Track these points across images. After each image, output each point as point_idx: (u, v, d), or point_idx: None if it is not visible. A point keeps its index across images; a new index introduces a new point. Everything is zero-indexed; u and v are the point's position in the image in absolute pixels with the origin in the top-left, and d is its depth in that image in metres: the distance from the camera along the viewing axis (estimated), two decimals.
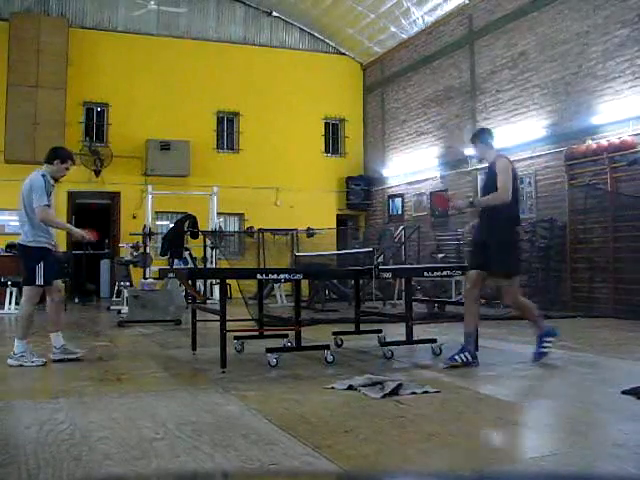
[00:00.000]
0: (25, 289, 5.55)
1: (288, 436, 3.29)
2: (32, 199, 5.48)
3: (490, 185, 5.31)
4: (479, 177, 13.19)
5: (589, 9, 10.64)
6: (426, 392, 4.25)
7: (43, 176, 5.52)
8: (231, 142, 16.78)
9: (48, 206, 5.52)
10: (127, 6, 15.59)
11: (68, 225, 6.28)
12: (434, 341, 5.91)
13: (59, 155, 5.67)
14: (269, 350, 5.38)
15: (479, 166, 13.19)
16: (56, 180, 5.74)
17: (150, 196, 13.71)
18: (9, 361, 5.37)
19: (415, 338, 5.93)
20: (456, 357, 5.25)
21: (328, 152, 17.66)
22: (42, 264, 5.43)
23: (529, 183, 11.84)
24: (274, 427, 3.47)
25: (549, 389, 4.56)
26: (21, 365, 5.33)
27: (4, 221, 14.61)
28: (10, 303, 10.65)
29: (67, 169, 5.74)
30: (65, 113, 14.54)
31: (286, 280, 6.90)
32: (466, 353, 5.26)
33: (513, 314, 9.66)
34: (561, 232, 10.72)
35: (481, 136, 5.57)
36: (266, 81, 16.47)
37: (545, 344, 5.39)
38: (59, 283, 5.74)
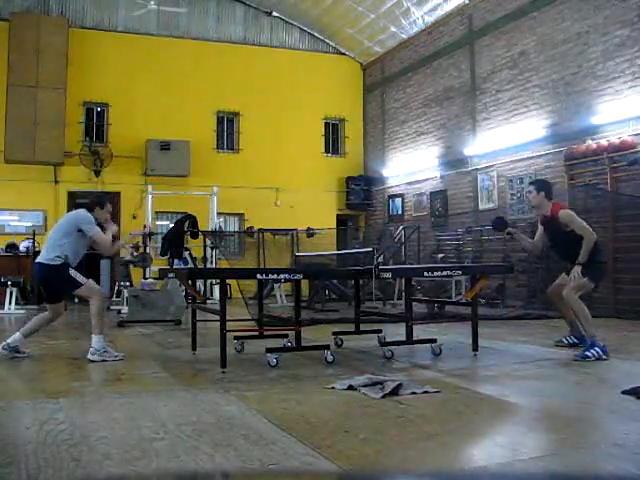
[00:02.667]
0: (83, 292, 5.91)
1: (288, 436, 3.29)
2: (82, 228, 5.86)
3: (559, 235, 6.04)
4: (479, 177, 13.20)
5: (589, 9, 10.64)
6: (426, 392, 4.25)
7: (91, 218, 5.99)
8: (231, 142, 16.78)
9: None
10: (127, 6, 15.60)
11: (117, 244, 6.77)
12: (434, 341, 5.90)
13: (99, 202, 6.13)
14: (269, 350, 5.38)
15: (479, 166, 13.21)
16: (100, 224, 6.11)
17: (150, 196, 13.71)
18: (89, 357, 5.63)
19: (415, 338, 5.93)
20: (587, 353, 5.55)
21: (328, 152, 17.66)
22: (73, 271, 5.85)
23: (529, 183, 11.82)
24: (274, 427, 3.47)
25: (549, 389, 4.56)
26: (104, 360, 5.62)
27: (4, 221, 14.63)
28: (10, 303, 10.65)
29: (109, 212, 6.22)
30: (65, 113, 14.54)
31: (286, 280, 6.90)
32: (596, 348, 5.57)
33: (513, 314, 9.68)
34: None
35: (542, 186, 6.21)
36: (266, 81, 16.47)
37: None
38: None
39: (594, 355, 5.53)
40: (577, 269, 5.79)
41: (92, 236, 5.86)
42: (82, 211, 6.02)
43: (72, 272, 5.78)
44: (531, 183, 6.43)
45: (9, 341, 5.80)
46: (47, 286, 5.98)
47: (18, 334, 5.82)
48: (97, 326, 5.71)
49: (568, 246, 5.99)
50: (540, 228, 6.35)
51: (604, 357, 5.52)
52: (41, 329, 6.10)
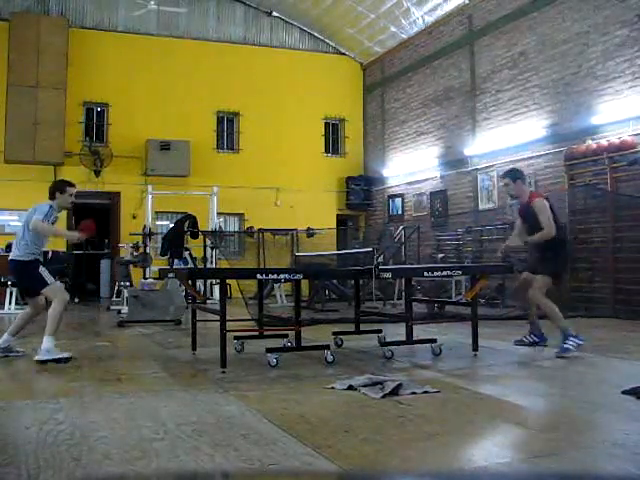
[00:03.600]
0: (47, 292, 5.78)
1: (288, 436, 3.29)
2: (32, 218, 5.76)
3: (534, 222, 6.00)
4: (479, 177, 13.20)
5: (589, 9, 10.64)
6: (426, 392, 4.25)
7: (51, 207, 5.85)
8: (231, 142, 16.78)
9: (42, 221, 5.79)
10: (127, 6, 15.60)
11: (61, 231, 6.48)
12: (434, 341, 5.90)
13: (57, 188, 6.02)
14: (269, 350, 5.38)
15: (479, 166, 13.21)
16: (67, 209, 6.08)
17: (150, 196, 13.71)
18: (41, 357, 5.52)
19: (415, 338, 5.93)
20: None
21: (328, 152, 17.66)
22: (43, 268, 5.82)
23: (529, 183, 11.82)
24: (274, 427, 3.47)
25: (549, 389, 4.56)
26: (47, 361, 5.48)
27: (4, 221, 14.62)
28: (10, 303, 10.65)
29: (71, 195, 6.05)
30: (65, 113, 14.55)
31: (286, 280, 6.90)
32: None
33: (513, 314, 9.68)
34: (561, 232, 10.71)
35: (516, 175, 6.25)
36: (266, 81, 16.47)
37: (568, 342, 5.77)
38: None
39: (573, 346, 5.71)
40: (507, 244, 6.29)
41: (31, 228, 5.73)
42: (38, 205, 5.91)
43: (42, 270, 5.78)
44: (503, 176, 6.34)
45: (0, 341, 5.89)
46: (20, 281, 6.17)
47: (5, 334, 5.91)
48: (52, 327, 5.64)
49: (536, 231, 6.00)
50: (518, 221, 6.46)
51: (581, 342, 5.75)
52: (27, 325, 6.08)
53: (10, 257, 5.93)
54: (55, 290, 5.83)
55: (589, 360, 5.67)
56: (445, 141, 14.43)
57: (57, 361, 5.48)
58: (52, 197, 5.95)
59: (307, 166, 16.67)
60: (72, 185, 6.16)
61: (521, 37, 12.15)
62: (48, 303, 5.84)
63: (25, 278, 5.97)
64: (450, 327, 7.60)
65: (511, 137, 12.26)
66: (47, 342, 5.58)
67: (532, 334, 6.39)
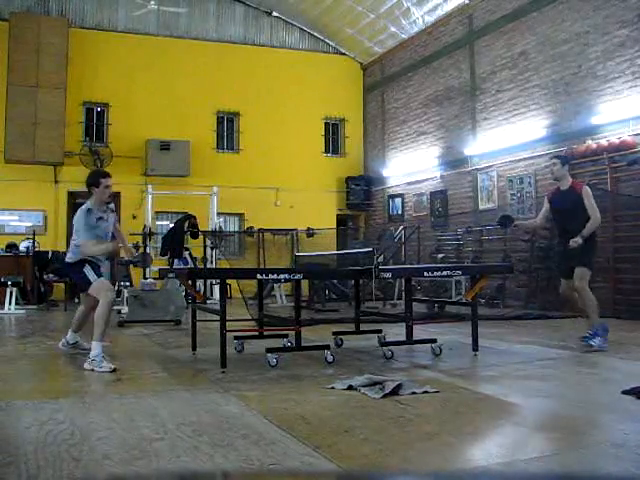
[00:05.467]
0: (92, 291, 5.71)
1: (288, 436, 3.29)
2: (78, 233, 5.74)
3: (570, 208, 6.24)
4: (479, 177, 13.20)
5: (589, 9, 10.64)
6: (426, 392, 4.25)
7: (88, 211, 5.69)
8: (231, 142, 16.79)
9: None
10: (127, 6, 15.61)
11: (103, 246, 5.96)
12: (434, 341, 5.90)
13: (90, 184, 5.79)
14: (269, 350, 5.38)
15: (479, 166, 13.20)
16: (107, 203, 5.93)
17: (150, 196, 13.71)
18: (85, 365, 5.29)
19: (415, 338, 5.93)
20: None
21: (328, 152, 17.66)
22: (88, 267, 5.70)
23: (529, 183, 11.84)
24: (274, 427, 3.47)
25: (549, 389, 4.56)
26: (93, 370, 5.22)
27: (4, 221, 14.62)
28: (10, 303, 10.65)
29: (107, 187, 5.78)
30: (65, 113, 14.55)
31: (286, 280, 6.90)
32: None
33: (513, 314, 9.68)
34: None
35: (566, 159, 6.60)
36: (266, 81, 16.47)
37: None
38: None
39: (595, 344, 6.00)
40: (578, 239, 6.05)
41: (79, 243, 5.67)
42: (79, 210, 5.77)
43: (86, 269, 5.64)
44: (555, 157, 6.67)
45: (67, 338, 6.15)
46: (71, 279, 6.41)
47: (70, 332, 6.13)
48: (98, 332, 5.39)
49: (575, 221, 6.19)
50: (546, 205, 6.61)
51: (605, 348, 5.98)
52: (87, 320, 6.05)
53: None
54: (99, 288, 5.60)
55: (589, 360, 5.67)
56: (445, 141, 14.43)
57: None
58: (90, 194, 5.78)
59: (307, 166, 16.68)
60: (105, 175, 5.86)
61: (521, 37, 12.15)
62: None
63: (74, 277, 6.11)
64: (450, 327, 7.60)
65: (511, 137, 12.26)
66: (94, 349, 5.33)
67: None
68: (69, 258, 5.85)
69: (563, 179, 6.42)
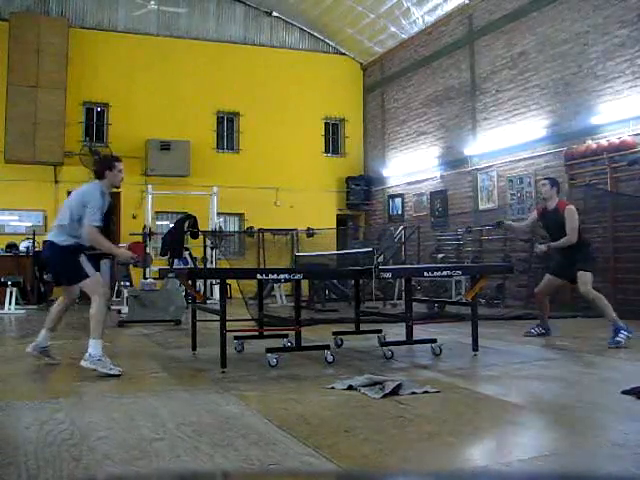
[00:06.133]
0: (86, 286, 5.18)
1: (288, 436, 3.29)
2: (84, 212, 5.11)
3: (555, 226, 6.79)
4: (479, 177, 13.20)
5: (589, 9, 10.64)
6: (426, 392, 4.25)
7: (102, 193, 5.24)
8: (231, 142, 16.78)
9: (99, 227, 5.16)
10: (127, 6, 15.60)
11: (114, 248, 5.67)
12: (434, 341, 5.90)
13: (106, 165, 5.44)
14: (269, 350, 5.38)
15: (479, 166, 13.20)
16: (117, 187, 5.57)
17: (150, 196, 13.70)
18: (83, 363, 5.01)
19: (415, 338, 5.93)
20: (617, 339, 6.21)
21: (328, 152, 17.66)
22: (84, 258, 5.21)
23: (529, 183, 11.84)
24: (274, 427, 3.47)
25: (549, 389, 4.56)
26: (95, 369, 4.98)
27: (4, 221, 14.62)
28: (10, 303, 10.65)
29: (120, 171, 5.48)
30: (65, 113, 14.54)
31: (286, 280, 6.90)
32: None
33: (513, 314, 9.68)
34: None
35: (555, 183, 7.02)
36: (266, 81, 16.47)
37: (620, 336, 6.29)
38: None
39: (623, 338, 6.22)
40: (543, 247, 6.88)
41: (86, 224, 5.04)
42: (90, 185, 5.30)
43: (82, 259, 5.14)
44: (546, 179, 7.24)
45: (39, 340, 5.41)
46: (52, 266, 5.52)
47: (43, 331, 5.41)
48: (98, 328, 5.06)
49: (560, 238, 6.70)
50: (533, 215, 7.26)
51: (631, 335, 6.26)
52: (62, 316, 5.56)
53: (48, 237, 5.30)
54: (96, 284, 5.17)
55: (589, 360, 5.67)
56: (445, 141, 14.43)
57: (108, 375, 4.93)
58: (101, 176, 5.31)
59: (307, 166, 16.67)
60: (119, 159, 5.57)
61: (521, 37, 12.15)
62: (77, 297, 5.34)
63: (61, 265, 5.27)
64: (450, 327, 7.60)
65: (511, 137, 12.26)
66: (94, 347, 4.99)
67: (540, 326, 7.11)
68: (64, 241, 5.13)
69: (550, 200, 6.90)
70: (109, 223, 5.53)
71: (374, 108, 17.40)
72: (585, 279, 6.49)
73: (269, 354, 5.33)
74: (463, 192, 13.73)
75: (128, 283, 11.60)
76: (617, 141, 9.84)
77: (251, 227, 15.72)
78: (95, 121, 15.67)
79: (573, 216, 6.67)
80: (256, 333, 6.39)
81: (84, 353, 5.11)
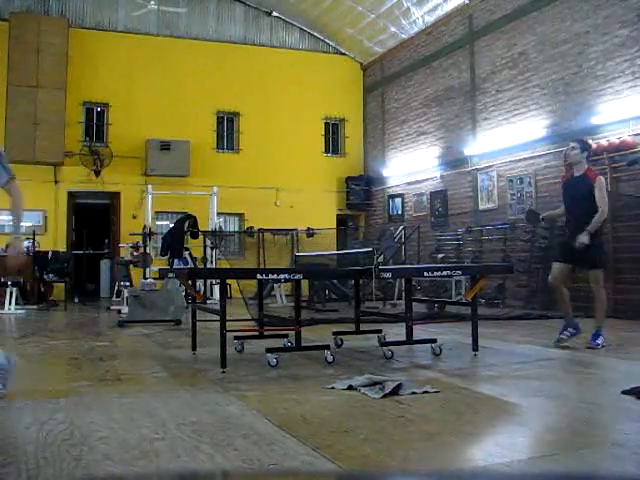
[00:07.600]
0: None
1: (288, 436, 3.29)
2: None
3: (582, 197, 6.10)
4: (479, 177, 13.20)
5: (589, 9, 10.64)
6: (426, 392, 4.25)
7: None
8: (231, 142, 16.79)
9: None
10: (127, 6, 15.60)
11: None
12: (434, 341, 5.90)
13: None
14: (269, 350, 5.38)
15: (479, 166, 13.20)
16: None
17: (150, 196, 13.71)
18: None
19: (415, 338, 5.93)
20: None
21: (328, 152, 17.66)
22: None
23: (529, 183, 11.84)
24: (274, 427, 3.47)
25: (549, 389, 4.56)
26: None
27: (4, 221, 14.60)
28: (10, 303, 10.65)
29: None
30: (65, 113, 14.55)
31: (286, 280, 6.90)
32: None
33: (513, 314, 9.68)
34: (561, 232, 10.70)
35: (586, 146, 6.36)
36: (266, 81, 16.47)
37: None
38: None
39: (601, 343, 6.13)
40: (584, 238, 5.96)
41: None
42: None
43: None
44: (576, 140, 6.46)
45: None
46: None
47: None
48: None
49: (583, 210, 6.10)
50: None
51: (605, 344, 6.17)
52: None
53: None
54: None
55: (589, 360, 5.67)
56: (445, 141, 14.43)
57: None
58: None
59: (307, 166, 16.68)
60: None
61: (521, 37, 12.15)
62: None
63: None
64: (450, 327, 7.60)
65: (511, 137, 12.26)
66: None
67: (568, 328, 6.40)
68: None
69: (578, 165, 6.23)
70: None
71: (374, 108, 17.40)
72: (597, 277, 6.24)
73: (269, 354, 5.33)
74: (463, 192, 13.73)
75: (128, 283, 11.60)
76: (617, 141, 9.84)
77: (251, 227, 15.72)
78: (95, 121, 15.67)
79: (604, 187, 6.12)
80: (256, 333, 6.39)
81: (84, 353, 5.07)
